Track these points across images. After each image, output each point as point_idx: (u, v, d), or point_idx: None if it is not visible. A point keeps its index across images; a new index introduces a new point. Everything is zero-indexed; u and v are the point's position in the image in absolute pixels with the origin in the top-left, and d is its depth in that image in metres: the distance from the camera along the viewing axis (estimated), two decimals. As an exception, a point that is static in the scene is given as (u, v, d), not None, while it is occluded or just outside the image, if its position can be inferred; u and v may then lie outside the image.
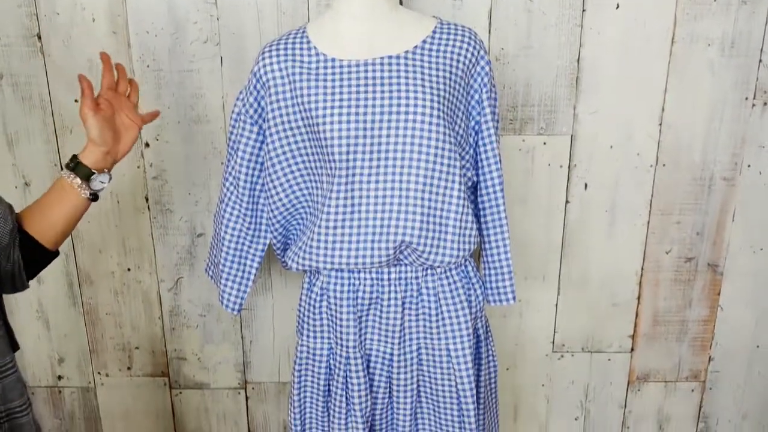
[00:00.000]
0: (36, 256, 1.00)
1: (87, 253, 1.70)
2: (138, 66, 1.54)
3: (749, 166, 1.61)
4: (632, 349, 1.77)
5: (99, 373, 1.81)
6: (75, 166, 1.01)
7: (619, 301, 1.73)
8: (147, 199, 1.66)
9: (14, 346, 0.96)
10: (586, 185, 1.63)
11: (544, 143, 1.60)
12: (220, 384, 1.82)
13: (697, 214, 1.65)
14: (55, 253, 1.04)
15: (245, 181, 1.19)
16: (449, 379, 1.21)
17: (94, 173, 1.02)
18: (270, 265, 1.71)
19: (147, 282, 1.73)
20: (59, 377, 1.82)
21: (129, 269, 1.72)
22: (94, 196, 1.04)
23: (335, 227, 1.11)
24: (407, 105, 1.06)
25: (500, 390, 1.76)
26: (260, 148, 1.17)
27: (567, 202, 1.65)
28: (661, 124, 1.58)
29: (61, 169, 1.08)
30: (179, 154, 1.62)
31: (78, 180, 1.00)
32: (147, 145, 1.61)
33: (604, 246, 1.68)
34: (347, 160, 1.08)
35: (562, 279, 1.71)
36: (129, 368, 1.81)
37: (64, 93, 1.56)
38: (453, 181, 1.10)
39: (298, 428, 1.29)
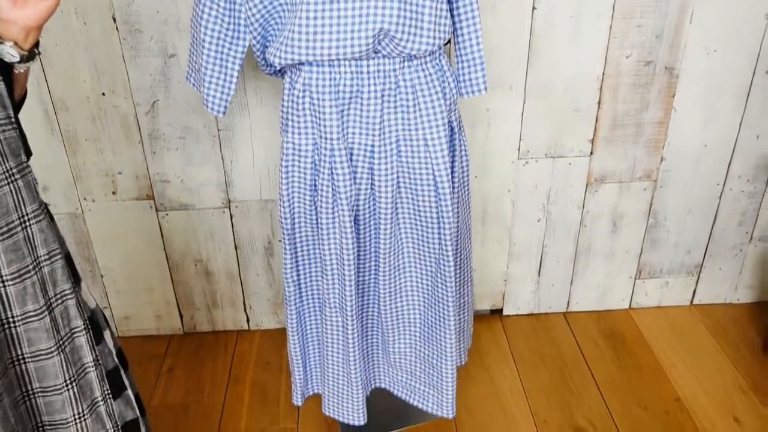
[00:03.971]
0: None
1: (58, 79, 1.70)
2: None
3: (709, -35, 1.65)
4: (591, 153, 1.90)
5: (85, 199, 1.88)
6: None
7: (580, 107, 1.82)
8: (114, 20, 1.64)
9: (28, 151, 0.97)
10: (552, -10, 1.66)
11: (512, -54, 1.60)
12: (205, 204, 1.91)
13: (657, 16, 1.71)
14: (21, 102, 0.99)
15: (221, -21, 1.20)
16: (426, 168, 1.31)
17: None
18: (245, 84, 1.74)
19: (123, 106, 1.75)
20: (46, 205, 1.87)
21: (103, 93, 1.73)
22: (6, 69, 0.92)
23: (315, 17, 1.14)
24: None
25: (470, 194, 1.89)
26: (234, -58, 1.17)
27: (534, 8, 1.68)
28: (626, -76, 1.60)
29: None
30: (143, -31, 1.58)
31: None
32: (108, -41, 1.57)
33: (569, 53, 1.75)
34: (324, -53, 1.09)
35: (528, 87, 1.79)
36: (114, 193, 1.87)
37: None
38: (428, -33, 1.13)
39: (288, 223, 1.40)
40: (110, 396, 1.07)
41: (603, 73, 1.78)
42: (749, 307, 2.17)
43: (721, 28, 1.74)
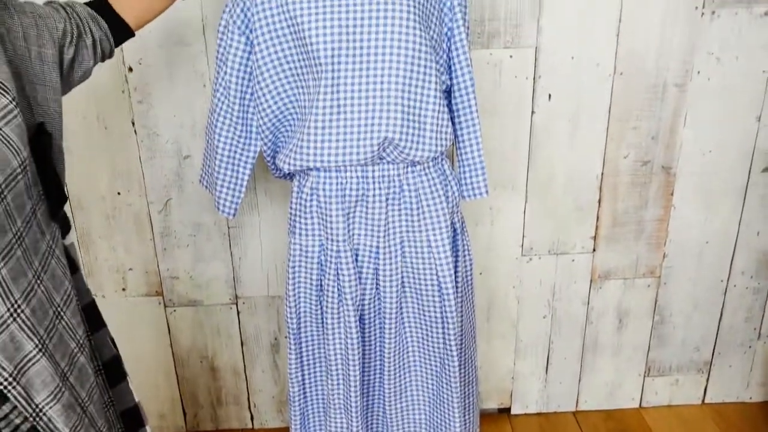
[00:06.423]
0: (116, 31, 1.09)
1: (77, 179, 1.77)
2: (117, -9, 1.58)
3: (699, 72, 1.74)
4: (594, 250, 1.93)
5: (95, 294, 1.89)
6: None
7: (581, 205, 1.87)
8: (133, 123, 1.72)
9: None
10: (550, 96, 1.74)
11: (510, 56, 1.70)
12: (213, 300, 1.93)
13: (652, 119, 1.78)
14: (133, 34, 1.13)
15: (235, 91, 1.27)
16: (431, 269, 1.34)
17: None
18: (256, 184, 1.80)
19: (137, 205, 1.81)
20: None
21: (119, 193, 1.79)
22: None
23: (323, 127, 1.21)
24: (386, 10, 1.15)
25: (474, 293, 1.90)
26: (248, 58, 1.25)
27: (533, 112, 1.76)
28: (618, 35, 1.69)
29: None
30: (162, 78, 1.68)
31: None
32: (130, 69, 1.66)
33: (568, 153, 1.81)
34: (332, 64, 1.17)
35: (529, 186, 1.84)
36: (124, 289, 1.90)
37: None
38: (429, 81, 1.20)
39: (294, 323, 1.41)
40: None
41: (602, 173, 1.84)
42: (762, 406, 2.13)
43: (715, 130, 1.80)
